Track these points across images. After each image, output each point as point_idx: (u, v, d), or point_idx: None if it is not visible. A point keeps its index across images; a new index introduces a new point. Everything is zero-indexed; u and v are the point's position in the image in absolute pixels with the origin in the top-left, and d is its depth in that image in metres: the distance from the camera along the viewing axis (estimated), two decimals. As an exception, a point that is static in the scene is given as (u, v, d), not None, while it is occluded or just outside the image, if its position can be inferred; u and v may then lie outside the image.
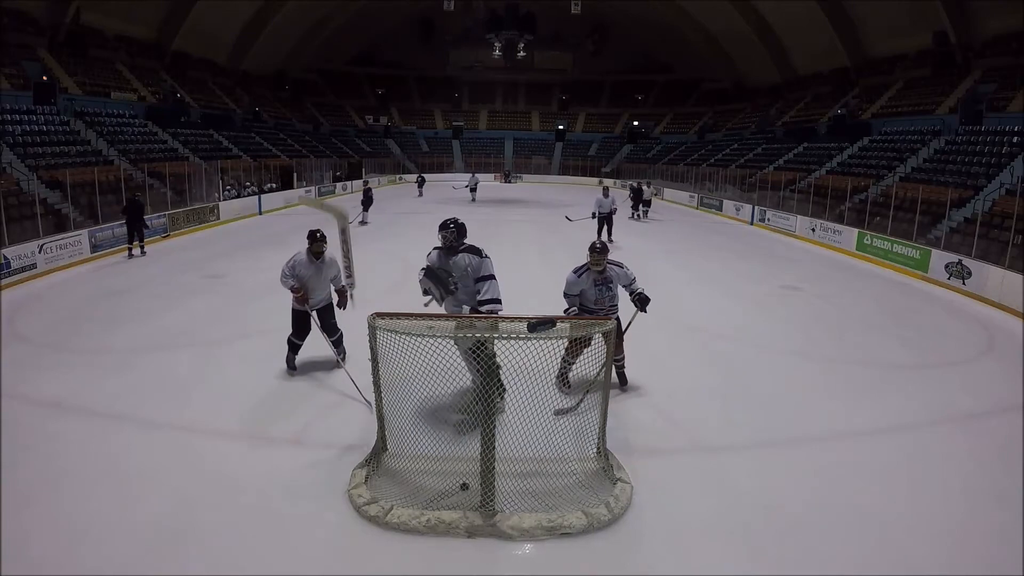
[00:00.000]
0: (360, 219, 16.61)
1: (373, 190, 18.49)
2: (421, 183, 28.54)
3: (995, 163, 15.21)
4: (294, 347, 5.74)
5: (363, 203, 17.22)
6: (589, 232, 16.13)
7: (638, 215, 19.86)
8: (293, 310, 5.64)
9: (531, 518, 3.44)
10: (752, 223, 19.34)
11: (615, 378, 5.16)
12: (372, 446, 4.10)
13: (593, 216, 13.81)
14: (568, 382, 5.13)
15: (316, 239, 5.60)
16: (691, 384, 5.69)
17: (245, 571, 3.09)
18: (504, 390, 3.87)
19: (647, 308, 5.09)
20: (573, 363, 5.00)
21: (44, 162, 15.04)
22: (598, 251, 5.10)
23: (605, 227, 13.69)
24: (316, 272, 5.58)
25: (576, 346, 4.48)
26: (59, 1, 20.75)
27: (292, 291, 5.52)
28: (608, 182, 21.88)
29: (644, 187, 20.15)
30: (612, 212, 13.76)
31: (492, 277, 4.69)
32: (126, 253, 11.71)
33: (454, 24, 38.05)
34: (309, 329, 5.66)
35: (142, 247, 11.90)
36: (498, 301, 4.65)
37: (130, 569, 3.07)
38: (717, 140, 35.22)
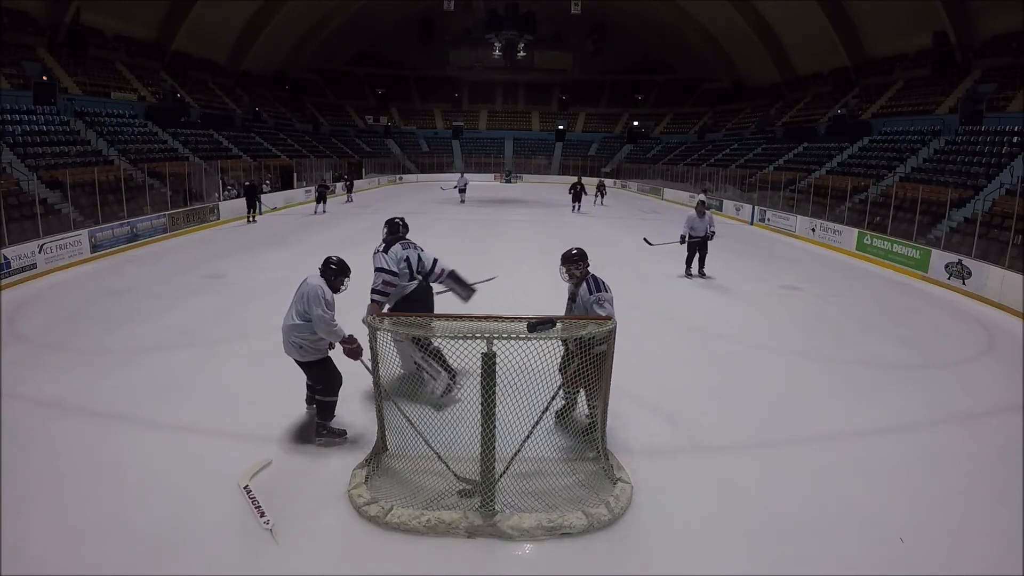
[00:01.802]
0: (318, 210, 19.73)
1: (328, 187, 21.90)
2: (349, 187, 24.31)
3: (995, 163, 15.21)
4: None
5: (317, 197, 20.32)
6: (598, 239, 16.15)
7: (578, 206, 21.78)
8: (334, 362, 4.42)
9: (531, 518, 3.44)
10: (752, 223, 19.35)
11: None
12: (372, 446, 4.10)
13: (682, 241, 10.40)
14: (574, 421, 4.31)
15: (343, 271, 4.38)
16: (691, 384, 5.69)
17: (245, 571, 3.09)
18: (455, 374, 3.89)
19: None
20: (576, 397, 4.24)
21: (44, 162, 15.04)
22: (566, 259, 4.35)
23: (697, 256, 10.41)
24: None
25: (573, 380, 3.92)
26: (59, 1, 20.75)
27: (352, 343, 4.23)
28: (702, 197, 17.15)
29: (702, 195, 17.85)
30: (708, 237, 10.23)
31: (378, 270, 4.91)
32: (245, 220, 16.87)
33: (454, 24, 38.08)
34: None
35: (255, 217, 17.03)
36: (375, 291, 4.87)
37: (130, 569, 3.07)
38: (717, 140, 35.24)
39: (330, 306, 4.14)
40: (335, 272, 4.30)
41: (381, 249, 4.99)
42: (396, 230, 5.18)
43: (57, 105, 18.39)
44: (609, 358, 3.87)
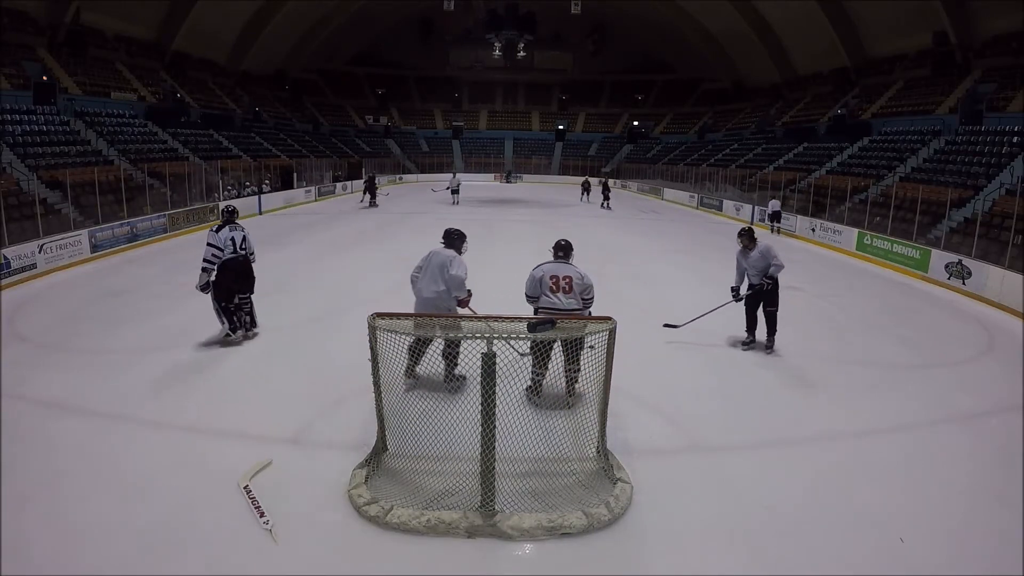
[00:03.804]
0: (364, 200, 22.23)
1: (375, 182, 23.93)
2: (368, 187, 22.54)
3: (995, 163, 15.22)
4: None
5: (367, 190, 22.72)
6: (598, 239, 16.11)
7: (607, 203, 23.58)
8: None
9: (531, 518, 3.44)
10: (752, 223, 19.35)
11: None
12: (372, 446, 4.10)
13: (736, 297, 6.79)
14: (540, 392, 4.75)
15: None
16: (691, 384, 5.69)
17: (245, 571, 3.09)
18: (234, 331, 6.29)
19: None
20: (544, 374, 4.70)
21: (44, 162, 15.05)
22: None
23: (761, 313, 6.69)
24: None
25: (542, 358, 4.38)
26: (59, 1, 20.76)
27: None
28: (776, 203, 17.72)
29: (779, 200, 18.04)
30: (768, 285, 6.46)
31: (209, 245, 6.18)
32: (366, 205, 21.56)
33: (454, 24, 38.10)
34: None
35: (375, 203, 21.87)
36: (204, 260, 6.16)
37: (130, 569, 3.07)
38: (717, 140, 35.25)
39: (465, 268, 5.03)
40: (460, 240, 5.23)
41: (214, 230, 6.29)
42: (223, 215, 6.57)
43: (57, 105, 18.40)
44: (609, 358, 3.87)
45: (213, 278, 6.19)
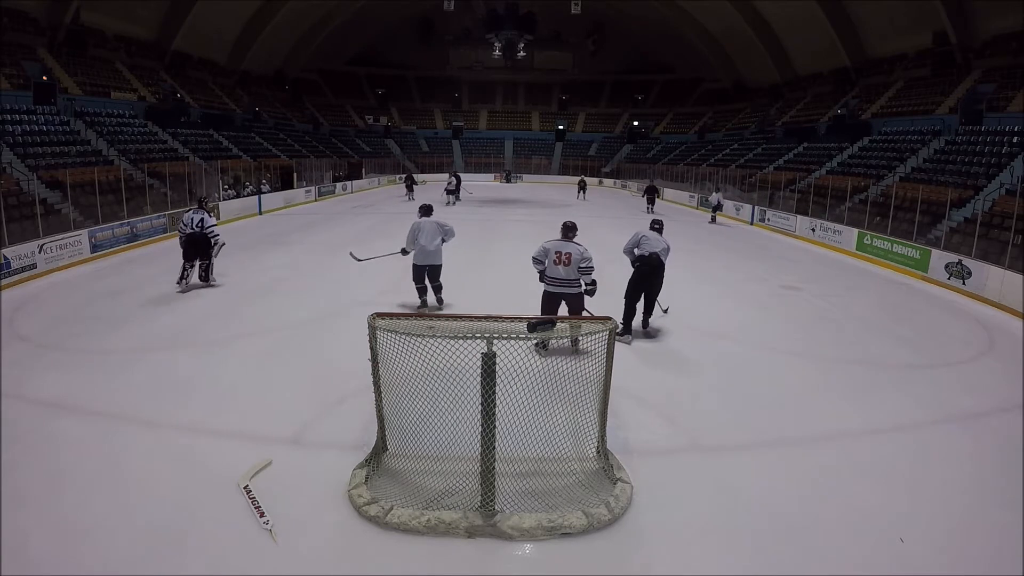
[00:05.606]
0: (409, 197, 24.21)
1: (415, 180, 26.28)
2: (410, 187, 25.96)
3: (995, 163, 15.22)
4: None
5: (408, 187, 25.11)
6: (597, 239, 16.10)
7: (651, 208, 22.69)
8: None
9: (531, 518, 3.44)
10: (752, 223, 19.35)
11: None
12: (372, 446, 4.10)
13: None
14: (547, 347, 5.55)
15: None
16: (691, 384, 5.69)
17: (245, 571, 3.09)
18: (184, 281, 8.69)
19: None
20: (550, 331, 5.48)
21: (44, 162, 15.04)
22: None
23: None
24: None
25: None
26: (59, 1, 20.76)
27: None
28: (718, 196, 20.76)
29: (715, 193, 20.82)
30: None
31: (181, 221, 9.02)
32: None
33: (454, 24, 38.09)
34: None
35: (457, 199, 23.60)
36: (179, 230, 9.13)
37: (130, 569, 3.07)
38: (717, 140, 35.25)
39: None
40: (432, 209, 7.68)
41: (186, 211, 8.89)
42: (197, 203, 9.13)
43: (57, 105, 18.38)
44: (609, 358, 3.87)
45: (183, 245, 8.61)
